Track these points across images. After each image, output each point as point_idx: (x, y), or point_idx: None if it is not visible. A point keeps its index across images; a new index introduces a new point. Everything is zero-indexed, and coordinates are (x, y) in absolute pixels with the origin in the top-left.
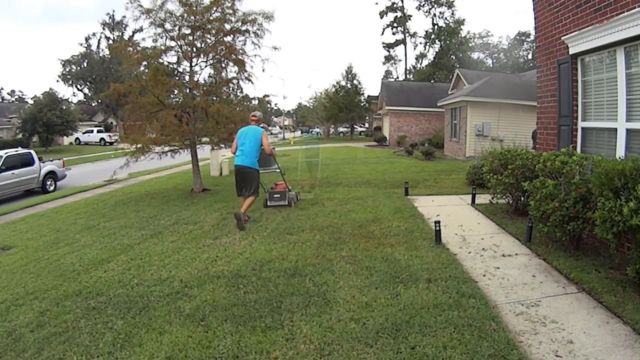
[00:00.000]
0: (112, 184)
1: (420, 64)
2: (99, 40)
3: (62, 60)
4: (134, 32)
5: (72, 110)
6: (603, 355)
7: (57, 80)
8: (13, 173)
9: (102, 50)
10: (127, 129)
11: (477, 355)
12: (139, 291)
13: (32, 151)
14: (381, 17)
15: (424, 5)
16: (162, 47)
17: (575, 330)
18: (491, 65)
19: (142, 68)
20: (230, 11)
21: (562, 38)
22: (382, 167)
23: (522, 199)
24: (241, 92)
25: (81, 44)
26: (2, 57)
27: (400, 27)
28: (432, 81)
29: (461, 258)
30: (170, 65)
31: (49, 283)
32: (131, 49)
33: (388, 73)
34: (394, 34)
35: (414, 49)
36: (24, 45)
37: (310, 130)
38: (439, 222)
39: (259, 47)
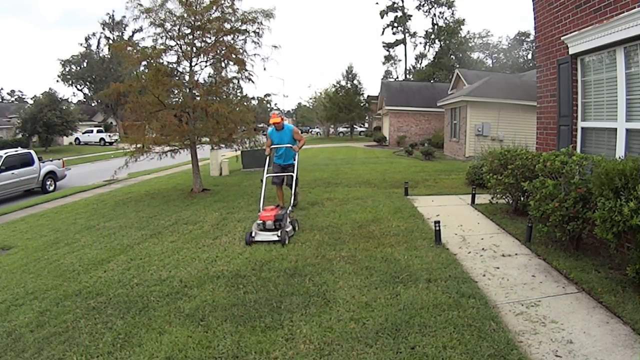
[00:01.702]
0: (112, 184)
1: (420, 64)
2: (99, 40)
3: (62, 60)
4: (133, 32)
5: (71, 110)
6: (603, 355)
7: (57, 80)
8: (13, 173)
9: (102, 50)
10: (127, 129)
11: (477, 355)
12: (139, 291)
13: (31, 151)
14: (381, 17)
15: (424, 5)
16: (162, 47)
17: (575, 330)
18: (491, 65)
19: (142, 68)
20: (230, 10)
21: (562, 38)
22: (381, 167)
23: (522, 199)
24: (241, 92)
25: (81, 44)
26: (2, 57)
27: (400, 27)
28: (432, 81)
29: (461, 258)
30: (170, 65)
31: (48, 283)
32: (131, 48)
33: (388, 73)
34: (394, 33)
35: (414, 49)
36: (24, 45)
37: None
38: (438, 222)
39: (259, 45)
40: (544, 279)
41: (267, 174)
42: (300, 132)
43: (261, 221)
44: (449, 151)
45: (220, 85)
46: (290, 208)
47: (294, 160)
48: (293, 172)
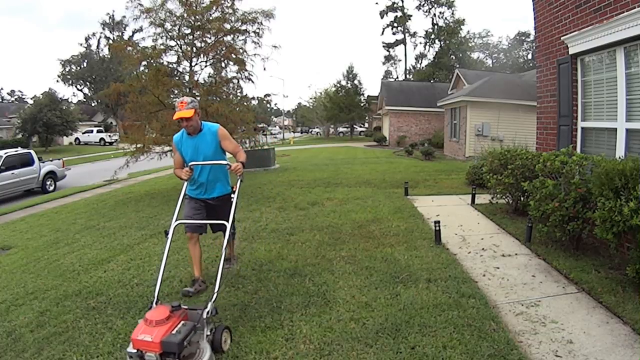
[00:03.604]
0: (112, 184)
1: (420, 64)
2: (99, 40)
3: (62, 60)
4: (133, 32)
5: (71, 110)
6: (603, 355)
7: (57, 81)
8: (13, 173)
9: (102, 50)
10: (127, 129)
11: (477, 355)
12: (139, 291)
13: (31, 151)
14: (381, 17)
15: (424, 5)
16: (162, 47)
17: (575, 330)
18: (491, 65)
19: (142, 68)
20: (230, 11)
21: (562, 38)
22: (381, 167)
23: (522, 199)
24: (241, 92)
25: (81, 44)
26: (2, 57)
27: (400, 27)
28: (432, 81)
29: (461, 258)
30: (170, 65)
31: (48, 283)
32: (131, 48)
33: (388, 73)
34: (394, 33)
35: (414, 49)
36: (24, 45)
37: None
38: (438, 222)
39: (259, 46)
40: (544, 279)
41: (176, 219)
42: (229, 134)
43: (134, 350)
44: (449, 151)
45: (220, 85)
46: (210, 304)
47: (232, 191)
48: (226, 218)
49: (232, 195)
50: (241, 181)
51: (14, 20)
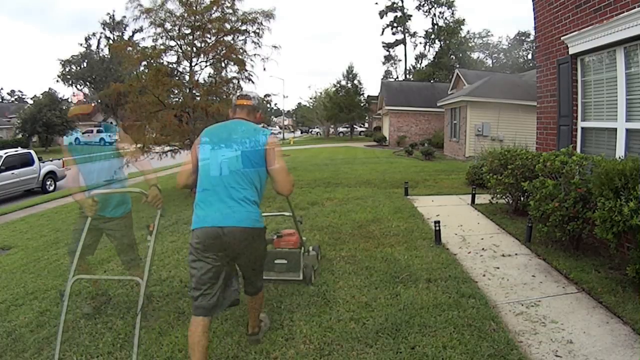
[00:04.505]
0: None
1: (420, 64)
2: (99, 40)
3: (62, 60)
4: (134, 32)
5: (71, 110)
6: (603, 355)
7: (57, 81)
8: (13, 173)
9: (102, 50)
10: (127, 129)
11: (477, 355)
12: (139, 291)
13: (31, 151)
14: (381, 17)
15: (423, 5)
16: (162, 47)
17: (575, 330)
18: (491, 65)
19: (142, 68)
20: (230, 11)
21: (562, 38)
22: (381, 167)
23: (522, 199)
24: (241, 92)
25: (81, 44)
26: (2, 57)
27: (400, 27)
28: (432, 81)
29: (461, 258)
30: (170, 65)
31: (49, 283)
32: (131, 48)
33: (388, 73)
34: (394, 33)
35: (414, 48)
36: (24, 45)
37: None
38: (438, 222)
39: (259, 46)
40: (544, 279)
41: (75, 271)
42: (128, 137)
43: None
44: (449, 151)
45: (220, 85)
46: None
47: (149, 231)
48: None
49: (148, 238)
50: (161, 215)
51: (15, 21)
